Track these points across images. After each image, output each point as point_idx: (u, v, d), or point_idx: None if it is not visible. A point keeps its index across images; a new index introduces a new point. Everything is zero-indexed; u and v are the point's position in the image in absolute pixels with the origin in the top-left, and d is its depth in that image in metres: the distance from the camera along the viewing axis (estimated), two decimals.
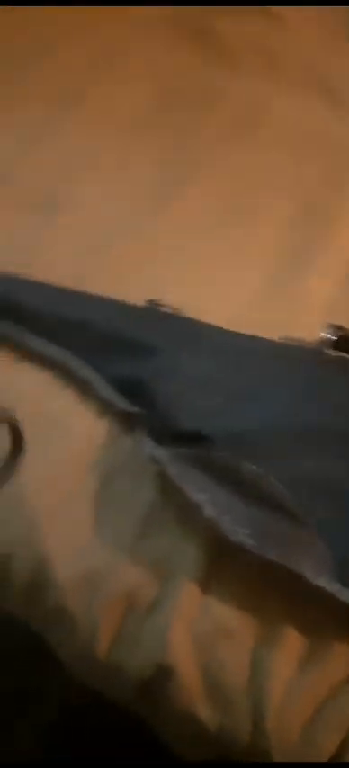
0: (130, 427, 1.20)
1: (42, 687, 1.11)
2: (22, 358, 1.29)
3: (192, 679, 1.02)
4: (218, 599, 1.06)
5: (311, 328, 1.34)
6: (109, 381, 1.26)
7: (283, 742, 0.99)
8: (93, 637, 1.04)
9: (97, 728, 1.09)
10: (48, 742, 1.13)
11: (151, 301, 1.37)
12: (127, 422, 1.21)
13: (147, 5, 1.98)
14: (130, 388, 1.25)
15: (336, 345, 1.33)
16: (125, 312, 1.36)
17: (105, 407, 1.23)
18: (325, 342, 1.33)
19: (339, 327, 1.34)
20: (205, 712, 1.01)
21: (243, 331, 1.34)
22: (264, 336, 1.33)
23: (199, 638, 1.03)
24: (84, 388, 1.25)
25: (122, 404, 1.23)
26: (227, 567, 1.07)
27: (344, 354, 1.32)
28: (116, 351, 1.30)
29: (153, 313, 1.36)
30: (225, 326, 1.34)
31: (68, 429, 1.20)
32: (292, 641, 1.03)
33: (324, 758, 0.98)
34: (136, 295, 1.37)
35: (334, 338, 1.33)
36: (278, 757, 0.98)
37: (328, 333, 1.33)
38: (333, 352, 1.32)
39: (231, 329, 1.34)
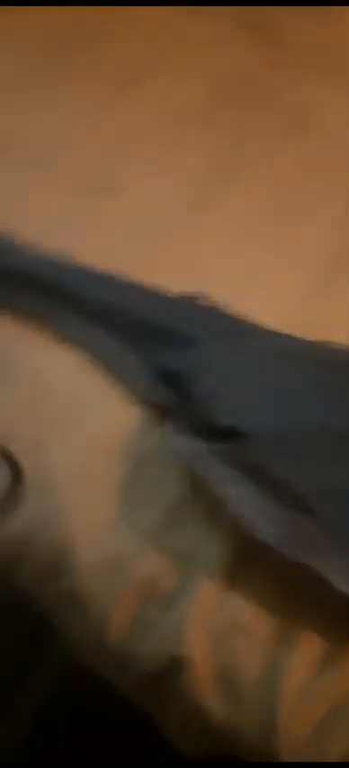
0: (164, 418, 1.21)
1: (43, 664, 1.11)
2: (63, 339, 1.30)
3: (204, 672, 1.02)
4: (237, 596, 1.06)
5: None
6: (146, 370, 1.27)
7: (294, 742, 0.99)
8: (106, 622, 1.05)
9: (97, 717, 1.09)
10: (45, 720, 1.13)
11: (192, 294, 1.37)
12: (160, 412, 1.22)
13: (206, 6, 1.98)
14: (167, 379, 1.25)
15: None
16: (166, 303, 1.37)
17: (140, 395, 1.24)
18: None
19: None
20: (215, 707, 1.01)
21: (285, 331, 1.33)
22: (306, 337, 1.32)
23: (215, 633, 1.04)
24: (120, 375, 1.26)
25: (158, 394, 1.24)
26: (250, 565, 1.08)
27: None
28: (155, 340, 1.31)
29: (193, 306, 1.36)
30: (267, 326, 1.34)
31: (100, 414, 1.21)
32: (309, 644, 1.03)
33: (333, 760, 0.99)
34: (179, 288, 1.38)
35: None
36: (286, 757, 0.99)
37: None
38: None
39: (273, 328, 1.34)
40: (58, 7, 1.93)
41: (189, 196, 1.58)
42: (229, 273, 1.43)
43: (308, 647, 1.03)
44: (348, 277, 1.48)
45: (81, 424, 1.19)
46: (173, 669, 1.03)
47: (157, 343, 1.30)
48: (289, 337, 1.33)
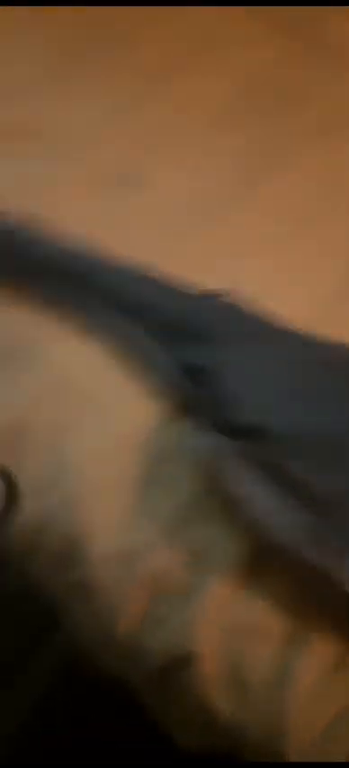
0: (184, 414, 1.21)
1: (44, 652, 1.12)
2: (87, 331, 1.30)
3: (213, 669, 1.03)
4: (251, 596, 1.06)
5: None
6: (170, 365, 1.27)
7: (301, 743, 0.99)
8: (116, 614, 1.06)
9: (95, 706, 1.10)
10: (45, 706, 1.14)
11: (218, 291, 1.37)
12: (182, 407, 1.21)
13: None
14: (191, 375, 1.25)
15: None
16: (192, 299, 1.37)
17: (162, 390, 1.24)
18: None
19: None
20: (221, 704, 1.02)
21: (318, 329, 1.33)
22: (334, 337, 1.32)
23: (226, 631, 1.04)
24: (143, 368, 1.27)
25: (181, 389, 1.24)
26: (264, 565, 1.08)
27: None
28: (180, 336, 1.31)
29: (219, 303, 1.36)
30: (301, 323, 1.34)
31: (120, 407, 1.22)
32: (321, 647, 1.03)
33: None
34: (210, 283, 1.37)
35: None
36: (293, 758, 0.99)
37: None
38: None
39: (305, 327, 1.33)
40: (92, 7, 1.94)
41: (218, 194, 1.58)
42: (257, 272, 1.43)
43: (320, 650, 1.03)
44: None
45: (100, 417, 1.20)
46: (181, 664, 1.03)
47: (182, 339, 1.31)
48: (312, 337, 1.33)
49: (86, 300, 1.34)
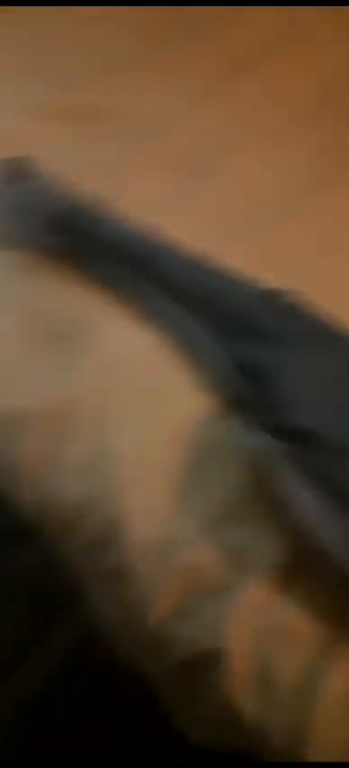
0: (235, 410, 1.20)
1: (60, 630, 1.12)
2: (143, 317, 1.30)
3: (242, 668, 1.02)
4: (287, 600, 1.05)
5: None
6: (225, 359, 1.26)
7: (326, 750, 0.98)
8: (147, 602, 1.06)
9: (105, 690, 1.10)
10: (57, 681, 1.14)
11: (281, 290, 1.35)
12: (233, 404, 1.21)
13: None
14: (246, 372, 1.24)
15: None
16: (253, 295, 1.36)
17: (215, 384, 1.23)
18: None
19: None
20: (248, 704, 1.01)
21: None
22: None
23: (258, 632, 1.03)
24: (198, 360, 1.26)
25: (234, 385, 1.23)
26: (304, 572, 1.07)
27: None
28: (238, 332, 1.30)
29: (281, 302, 1.35)
30: None
31: (170, 397, 1.21)
32: None
33: None
34: (273, 281, 1.36)
35: None
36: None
37: None
38: None
39: None
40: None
41: (289, 191, 1.57)
42: (322, 274, 1.41)
43: None
44: None
45: (149, 405, 1.20)
46: (208, 660, 1.03)
47: (240, 335, 1.30)
48: None
49: (145, 286, 1.33)
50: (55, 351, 1.26)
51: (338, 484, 1.09)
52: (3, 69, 1.83)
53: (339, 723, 0.99)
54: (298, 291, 1.35)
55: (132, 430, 1.16)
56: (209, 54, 1.84)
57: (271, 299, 1.35)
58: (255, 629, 1.03)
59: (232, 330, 1.30)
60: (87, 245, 1.38)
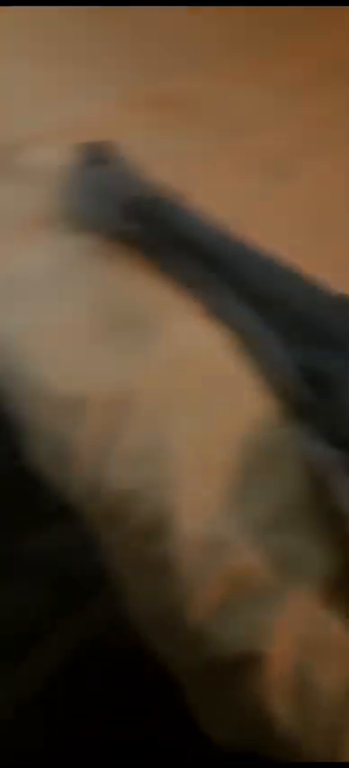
0: (298, 417, 1.18)
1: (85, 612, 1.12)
2: (211, 314, 1.29)
3: (280, 676, 1.01)
4: (335, 615, 1.04)
5: None
6: (292, 364, 1.24)
7: None
8: (189, 599, 1.04)
9: (126, 679, 1.09)
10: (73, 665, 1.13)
11: None
12: (296, 410, 1.19)
13: None
14: (312, 379, 1.22)
15: None
16: (325, 301, 1.34)
17: (279, 388, 1.21)
18: None
19: None
20: (282, 712, 1.00)
21: None
22: None
23: (301, 642, 1.02)
24: (264, 362, 1.24)
25: (299, 391, 1.21)
26: None
27: None
28: (308, 337, 1.28)
29: None
30: None
31: (231, 397, 1.20)
32: None
33: None
34: (343, 288, 1.34)
35: None
36: None
37: None
38: None
39: None
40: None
41: None
42: None
43: None
44: None
45: (209, 403, 1.18)
46: (246, 662, 1.02)
47: (309, 341, 1.28)
48: None
49: (216, 283, 1.32)
50: (120, 339, 1.26)
51: None
52: (91, 56, 1.83)
53: None
54: None
55: (191, 426, 1.15)
56: (299, 54, 1.83)
57: (344, 304, 1.34)
58: (296, 637, 1.02)
59: (302, 334, 1.28)
60: (162, 235, 1.38)
